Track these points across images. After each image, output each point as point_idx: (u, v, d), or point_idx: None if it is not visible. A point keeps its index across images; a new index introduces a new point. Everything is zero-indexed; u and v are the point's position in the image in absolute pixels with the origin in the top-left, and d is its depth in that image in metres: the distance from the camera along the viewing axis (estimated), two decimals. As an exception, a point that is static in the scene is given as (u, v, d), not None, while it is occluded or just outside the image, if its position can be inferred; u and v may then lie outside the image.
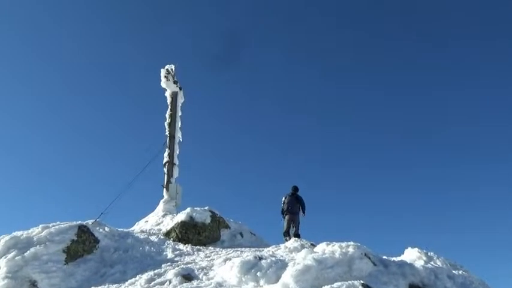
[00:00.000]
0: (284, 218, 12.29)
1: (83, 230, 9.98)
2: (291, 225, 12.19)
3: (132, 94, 45.74)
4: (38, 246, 9.01)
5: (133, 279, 8.15)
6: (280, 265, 7.67)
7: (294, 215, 12.19)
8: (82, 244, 9.67)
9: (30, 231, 9.62)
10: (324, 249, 8.41)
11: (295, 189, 12.51)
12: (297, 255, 8.54)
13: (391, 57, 47.97)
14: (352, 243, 8.32)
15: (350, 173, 44.98)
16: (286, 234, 12.10)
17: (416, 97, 46.28)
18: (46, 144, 43.37)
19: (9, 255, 8.63)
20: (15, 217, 35.88)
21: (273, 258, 8.03)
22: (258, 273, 7.50)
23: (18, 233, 9.52)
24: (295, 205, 12.25)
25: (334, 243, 8.55)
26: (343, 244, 8.31)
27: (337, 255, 7.85)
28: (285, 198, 12.36)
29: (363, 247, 8.28)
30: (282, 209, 12.33)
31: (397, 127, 46.35)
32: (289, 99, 48.14)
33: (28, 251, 8.77)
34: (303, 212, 12.19)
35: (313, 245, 9.96)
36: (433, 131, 45.98)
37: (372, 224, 39.73)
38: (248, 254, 8.86)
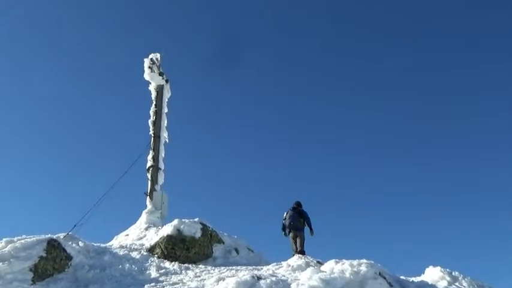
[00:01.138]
0: (287, 235, 12.30)
1: (53, 244, 9.95)
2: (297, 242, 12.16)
3: (116, 91, 45.77)
4: (0, 263, 8.97)
5: (111, 302, 8.15)
6: (282, 286, 7.69)
7: (297, 231, 12.20)
8: (52, 261, 9.63)
9: (-9, 246, 9.58)
10: (332, 267, 8.43)
11: (298, 204, 12.58)
12: (301, 275, 8.56)
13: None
14: (364, 260, 8.34)
15: (359, 181, 45.08)
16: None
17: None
18: (8, 143, 43.29)
19: (-32, 274, 8.59)
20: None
21: (274, 278, 8.04)
22: (256, 296, 7.50)
23: (-23, 248, 9.48)
24: (298, 220, 12.25)
25: (344, 260, 8.57)
26: (355, 262, 8.33)
27: (347, 274, 7.86)
28: (286, 213, 12.40)
29: (377, 265, 8.30)
30: (283, 225, 12.30)
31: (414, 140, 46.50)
32: (289, 102, 48.23)
33: (-11, 269, 8.72)
34: (311, 229, 12.14)
35: (320, 263, 9.99)
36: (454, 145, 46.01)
37: (388, 240, 39.80)
38: (245, 274, 8.85)
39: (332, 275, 7.80)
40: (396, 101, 47.93)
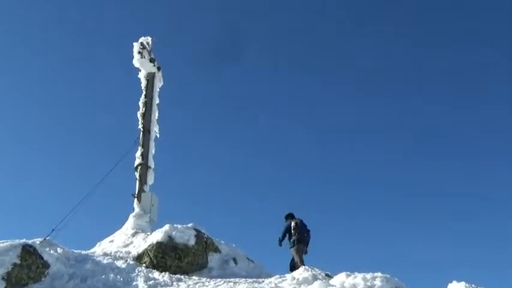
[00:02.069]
0: (292, 248, 12.66)
1: (28, 250, 9.95)
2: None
3: (99, 79, 45.76)
4: (-32, 271, 9.00)
5: (93, 317, 8.18)
6: (286, 301, 7.69)
7: (306, 246, 12.79)
8: (27, 269, 9.64)
9: (-41, 251, 9.60)
10: (342, 281, 8.45)
11: (292, 216, 13.18)
12: (307, 289, 8.57)
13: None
14: (379, 274, 8.35)
15: (369, 188, 45.08)
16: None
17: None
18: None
19: None
20: None
21: (277, 293, 8.05)
22: (257, 312, 7.52)
23: None
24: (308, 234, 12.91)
25: (356, 274, 8.58)
26: (368, 275, 8.34)
27: (360, 289, 7.88)
28: (295, 224, 12.80)
29: (393, 280, 8.32)
30: (296, 239, 12.67)
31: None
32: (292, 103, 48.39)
33: (-44, 278, 8.76)
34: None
35: (329, 276, 10.01)
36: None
37: (405, 251, 39.75)
38: (244, 287, 8.87)
39: (342, 290, 7.81)
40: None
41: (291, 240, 12.78)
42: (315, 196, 44.35)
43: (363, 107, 47.39)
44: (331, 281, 8.81)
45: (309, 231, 12.99)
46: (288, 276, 10.34)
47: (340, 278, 8.73)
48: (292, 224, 12.85)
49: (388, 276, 8.37)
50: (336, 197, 45.39)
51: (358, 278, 8.31)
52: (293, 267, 12.36)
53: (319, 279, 9.41)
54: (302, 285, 9.41)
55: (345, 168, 45.89)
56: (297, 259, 12.50)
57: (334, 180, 46.15)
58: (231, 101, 48.07)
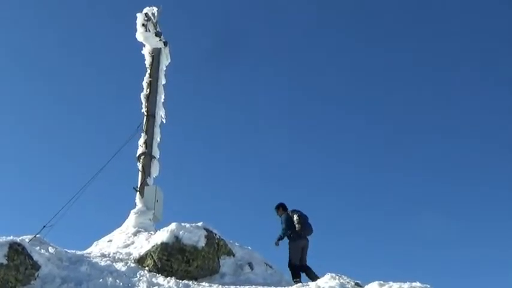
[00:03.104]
0: (293, 243, 12.93)
1: (16, 249, 10.04)
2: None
3: (100, 54, 45.86)
4: (-51, 271, 9.12)
5: (88, 326, 8.23)
6: (309, 313, 7.66)
7: (308, 241, 13.15)
8: (15, 271, 9.73)
9: None
10: (375, 292, 8.39)
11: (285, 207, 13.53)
12: (334, 300, 8.54)
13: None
14: (418, 284, 8.30)
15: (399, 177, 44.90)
16: (298, 271, 12.64)
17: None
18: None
19: None
20: None
21: (299, 303, 8.02)
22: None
23: None
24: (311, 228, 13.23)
25: (391, 283, 8.54)
26: (405, 285, 8.29)
27: (395, 301, 7.82)
28: (298, 216, 13.04)
29: (435, 291, 8.24)
30: (296, 233, 12.93)
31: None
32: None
33: None
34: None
35: (359, 286, 9.96)
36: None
37: (448, 256, 39.57)
38: (261, 296, 8.86)
39: (376, 302, 7.76)
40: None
41: (293, 235, 13.00)
42: (335, 195, 44.34)
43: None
44: (362, 292, 8.76)
45: (311, 225, 13.25)
46: (312, 284, 10.32)
47: (372, 288, 8.69)
48: (295, 216, 13.06)
49: (428, 286, 8.31)
50: (361, 196, 45.28)
51: (394, 288, 8.26)
52: (294, 267, 12.68)
53: (348, 288, 9.37)
54: (328, 295, 9.39)
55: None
56: (294, 257, 12.77)
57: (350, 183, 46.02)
58: (249, 85, 47.88)
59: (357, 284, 10.16)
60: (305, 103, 47.94)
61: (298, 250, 12.89)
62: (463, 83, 47.88)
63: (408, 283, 8.38)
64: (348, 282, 10.10)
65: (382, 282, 8.76)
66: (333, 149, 47.48)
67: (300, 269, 12.68)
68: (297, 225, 12.97)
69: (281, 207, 13.53)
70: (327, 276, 10.69)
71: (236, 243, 12.98)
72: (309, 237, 13.19)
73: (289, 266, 12.79)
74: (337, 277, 10.44)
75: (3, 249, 9.86)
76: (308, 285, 10.35)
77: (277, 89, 48.14)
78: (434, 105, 47.97)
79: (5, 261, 9.68)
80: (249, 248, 13.30)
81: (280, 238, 13.08)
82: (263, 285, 10.98)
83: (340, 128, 47.95)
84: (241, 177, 44.25)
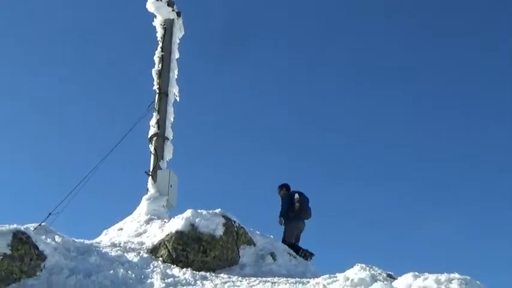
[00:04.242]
0: (291, 223, 14.23)
1: (20, 238, 10.15)
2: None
3: (108, 26, 45.86)
4: None
5: (99, 320, 8.34)
6: (337, 307, 7.68)
7: (304, 224, 14.54)
8: (19, 261, 9.84)
9: None
10: (409, 283, 8.39)
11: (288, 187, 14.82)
12: (364, 293, 8.55)
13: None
14: (457, 275, 8.25)
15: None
16: (296, 245, 13.88)
17: None
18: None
19: None
20: None
21: (326, 296, 8.04)
22: (301, 319, 7.53)
23: None
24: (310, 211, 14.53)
25: (427, 274, 8.50)
26: (442, 277, 8.24)
27: (432, 294, 7.80)
28: (299, 196, 14.26)
29: (475, 282, 8.20)
30: (295, 213, 14.16)
31: None
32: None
33: None
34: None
35: (392, 277, 9.94)
36: None
37: (488, 248, 39.38)
38: (285, 288, 8.89)
39: (410, 294, 7.74)
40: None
41: (291, 214, 14.24)
42: (364, 179, 44.23)
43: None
44: (395, 283, 8.75)
45: (310, 208, 14.43)
46: (340, 276, 10.30)
47: (406, 280, 8.65)
48: (296, 195, 14.15)
49: (468, 278, 8.25)
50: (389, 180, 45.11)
51: (430, 280, 8.21)
52: (291, 243, 13.79)
53: (380, 280, 9.34)
54: (358, 288, 9.38)
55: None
56: (289, 237, 13.92)
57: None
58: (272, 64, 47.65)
59: (389, 275, 10.14)
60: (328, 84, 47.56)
61: (294, 231, 14.08)
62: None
63: (446, 274, 8.33)
64: (379, 274, 10.08)
65: (416, 273, 8.71)
66: (375, 135, 46.88)
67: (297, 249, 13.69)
68: (296, 204, 14.02)
69: (284, 188, 14.69)
70: (356, 267, 10.67)
71: (257, 232, 13.04)
72: (306, 221, 14.43)
73: (283, 242, 13.62)
74: (367, 268, 10.41)
75: (6, 239, 9.96)
76: (336, 277, 10.34)
77: (301, 65, 47.80)
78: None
79: (8, 251, 9.78)
80: (271, 236, 13.39)
81: (281, 216, 14.26)
82: (287, 277, 10.99)
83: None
84: (262, 161, 43.99)
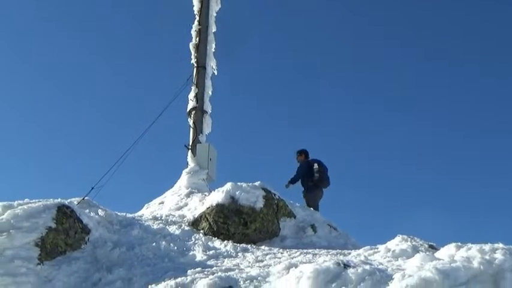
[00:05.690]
0: (311, 193, 14.32)
1: (64, 212, 10.38)
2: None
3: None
4: (-3, 235, 9.46)
5: (143, 291, 8.45)
6: (379, 278, 7.64)
7: (323, 193, 14.56)
8: (64, 234, 10.07)
9: (-15, 212, 10.11)
10: (452, 254, 8.29)
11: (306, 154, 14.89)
12: (406, 264, 8.49)
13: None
14: (501, 245, 8.13)
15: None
16: None
17: None
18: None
19: (-43, 247, 9.12)
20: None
21: (367, 267, 8.01)
22: (343, 290, 7.52)
23: (-33, 214, 10.02)
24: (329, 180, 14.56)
25: (470, 245, 8.40)
26: (486, 247, 8.14)
27: (475, 264, 7.71)
28: (318, 166, 14.29)
29: (520, 253, 8.08)
30: (314, 182, 14.23)
31: None
32: None
33: (-17, 243, 9.25)
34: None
35: (433, 248, 9.87)
36: None
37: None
38: (326, 259, 8.89)
39: (453, 265, 7.65)
40: None
41: (309, 183, 14.29)
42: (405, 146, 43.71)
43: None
44: (437, 254, 8.66)
45: (329, 177, 14.48)
46: (381, 247, 10.27)
47: (448, 251, 8.56)
48: (315, 166, 14.18)
49: (513, 247, 8.13)
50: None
51: (473, 250, 8.10)
52: None
53: (421, 251, 9.28)
54: (399, 259, 9.31)
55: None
56: (313, 206, 13.90)
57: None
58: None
59: (431, 246, 10.06)
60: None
61: (316, 199, 14.16)
62: None
63: (490, 244, 8.22)
64: (421, 245, 10.01)
65: (459, 244, 8.62)
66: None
67: None
68: (315, 174, 14.07)
69: (304, 154, 14.76)
70: (398, 238, 10.62)
71: (297, 204, 13.08)
72: (324, 190, 14.46)
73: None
74: (408, 239, 10.36)
75: (51, 212, 10.19)
76: (377, 248, 10.31)
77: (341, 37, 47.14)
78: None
79: (53, 225, 10.01)
80: (311, 208, 13.38)
81: (292, 181, 14.36)
82: (327, 249, 11.00)
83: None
84: (301, 134, 43.74)
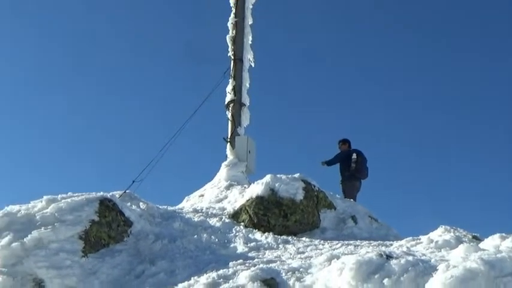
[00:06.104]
0: (348, 182, 14.40)
1: (107, 205, 10.52)
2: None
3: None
4: (42, 228, 9.59)
5: (186, 283, 8.49)
6: (423, 268, 7.59)
7: (360, 184, 14.59)
8: (107, 227, 10.21)
9: (30, 205, 10.29)
10: (497, 245, 8.21)
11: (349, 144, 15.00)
12: (450, 254, 8.42)
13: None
14: (547, 235, 8.04)
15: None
16: None
17: None
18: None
19: (3, 241, 9.30)
20: (8, 186, 38.41)
21: (410, 258, 7.96)
22: (386, 281, 7.48)
23: (13, 208, 10.21)
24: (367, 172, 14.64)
25: (516, 235, 8.31)
26: (532, 237, 8.05)
27: (522, 255, 7.62)
28: (356, 156, 14.33)
29: None
30: (351, 172, 14.27)
31: None
32: None
33: (29, 236, 9.37)
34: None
35: (477, 239, 9.76)
36: None
37: None
38: (368, 251, 8.86)
39: (499, 255, 7.55)
40: None
41: (346, 173, 14.34)
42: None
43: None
44: (481, 245, 8.57)
45: (367, 168, 14.47)
46: (424, 238, 10.18)
47: (493, 241, 8.46)
48: (354, 156, 14.24)
49: (562, 238, 8.02)
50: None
51: (519, 240, 8.03)
52: None
53: (465, 241, 9.18)
54: (443, 250, 9.23)
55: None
56: (350, 197, 13.86)
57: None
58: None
59: (474, 237, 9.96)
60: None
61: (353, 190, 14.18)
62: None
63: (536, 235, 8.14)
64: (464, 236, 9.91)
65: (504, 234, 8.52)
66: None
67: None
68: (352, 165, 14.14)
69: (347, 143, 14.88)
70: (440, 229, 10.52)
71: (337, 195, 13.07)
72: (362, 181, 14.54)
73: None
74: (451, 230, 10.26)
75: (93, 206, 10.34)
76: (419, 239, 10.24)
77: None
78: None
79: (96, 218, 10.15)
80: (351, 200, 13.34)
81: (327, 163, 14.63)
82: (369, 240, 10.96)
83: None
84: (340, 126, 43.42)
